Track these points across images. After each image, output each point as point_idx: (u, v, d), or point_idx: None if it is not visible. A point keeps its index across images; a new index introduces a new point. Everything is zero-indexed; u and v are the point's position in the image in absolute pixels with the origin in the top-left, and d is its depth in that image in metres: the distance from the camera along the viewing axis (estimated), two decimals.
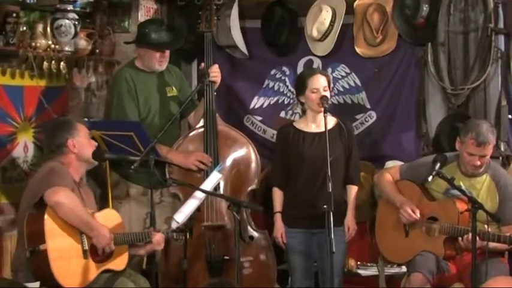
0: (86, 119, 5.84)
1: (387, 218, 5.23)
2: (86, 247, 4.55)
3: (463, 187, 4.94)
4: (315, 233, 5.09)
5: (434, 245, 4.96)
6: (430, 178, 4.84)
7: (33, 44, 5.41)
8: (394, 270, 5.86)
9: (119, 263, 4.73)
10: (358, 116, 6.27)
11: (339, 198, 5.11)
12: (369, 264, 6.09)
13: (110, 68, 6.20)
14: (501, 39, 5.86)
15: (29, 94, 5.49)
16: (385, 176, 5.26)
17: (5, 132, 5.32)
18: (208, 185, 5.09)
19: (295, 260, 5.25)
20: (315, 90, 5.14)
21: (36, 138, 5.52)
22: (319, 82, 5.17)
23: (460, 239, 4.86)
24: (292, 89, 6.31)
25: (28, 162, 5.46)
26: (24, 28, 5.39)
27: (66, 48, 5.70)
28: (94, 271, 4.58)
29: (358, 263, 6.09)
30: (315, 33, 6.20)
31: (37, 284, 4.45)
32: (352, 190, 5.25)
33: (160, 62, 5.55)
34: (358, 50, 6.24)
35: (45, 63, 5.46)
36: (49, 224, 4.41)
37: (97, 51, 6.07)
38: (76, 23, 5.73)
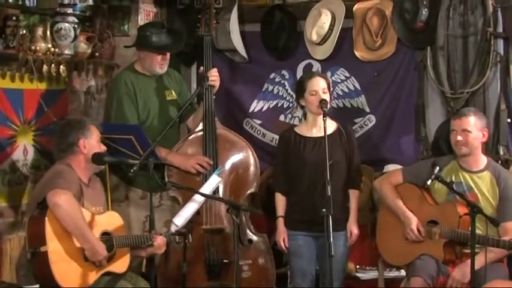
0: None
1: (388, 221, 5.23)
2: None
3: (464, 184, 4.97)
4: (317, 236, 5.08)
5: (434, 249, 4.96)
6: (429, 182, 4.85)
7: (33, 47, 5.41)
8: (394, 273, 5.86)
9: (119, 265, 4.72)
10: (357, 120, 6.28)
11: (340, 202, 5.11)
12: (368, 268, 6.09)
13: (109, 72, 6.20)
14: (500, 43, 5.87)
15: (29, 97, 5.49)
16: (386, 184, 5.25)
17: (5, 136, 5.32)
18: (207, 188, 5.10)
19: (296, 263, 5.25)
20: (314, 92, 5.14)
21: (38, 142, 5.52)
22: (318, 84, 5.17)
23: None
24: (291, 93, 6.32)
25: (28, 166, 5.46)
26: (24, 31, 5.39)
27: (66, 52, 5.71)
28: (94, 274, 4.57)
29: (358, 266, 6.09)
30: (314, 37, 6.21)
31: (36, 286, 4.44)
32: (354, 194, 5.25)
33: (161, 65, 5.55)
34: (357, 53, 6.25)
35: (45, 67, 5.46)
36: (50, 226, 4.40)
37: (97, 54, 6.07)
38: (76, 26, 5.74)
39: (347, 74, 6.32)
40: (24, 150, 5.43)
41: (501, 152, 5.79)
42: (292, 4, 6.45)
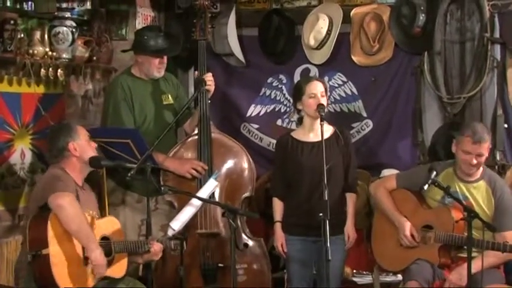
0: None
1: (383, 226, 5.23)
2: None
3: (459, 193, 4.96)
4: (315, 241, 5.08)
5: (429, 253, 4.96)
6: (425, 187, 4.83)
7: (31, 51, 5.42)
8: (390, 278, 5.87)
9: (117, 270, 4.73)
10: (354, 125, 6.29)
11: (338, 207, 5.11)
12: (364, 273, 6.10)
13: (107, 76, 6.21)
14: (497, 48, 5.88)
15: (26, 101, 5.50)
16: (381, 189, 5.25)
17: (2, 139, 5.33)
18: (204, 192, 5.10)
19: (293, 267, 5.24)
20: (313, 95, 5.15)
21: (35, 145, 5.53)
22: (317, 87, 5.18)
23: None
24: (289, 97, 6.32)
25: (25, 169, 5.47)
26: (22, 35, 5.40)
27: (64, 56, 5.72)
28: (93, 277, 4.58)
29: (354, 271, 6.10)
30: (311, 42, 6.22)
31: None
32: (351, 198, 5.26)
33: (159, 68, 5.56)
34: (354, 58, 6.26)
35: (43, 71, 5.47)
36: (52, 229, 4.42)
37: (94, 58, 6.08)
38: (74, 30, 5.76)
39: (344, 79, 6.33)
40: (21, 154, 5.44)
41: (498, 157, 5.81)
42: (289, 9, 6.47)
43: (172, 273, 5.28)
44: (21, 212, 5.37)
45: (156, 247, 4.83)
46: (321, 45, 6.23)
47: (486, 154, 4.96)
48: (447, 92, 6.00)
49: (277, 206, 5.30)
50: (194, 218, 5.19)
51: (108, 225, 4.80)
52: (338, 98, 6.35)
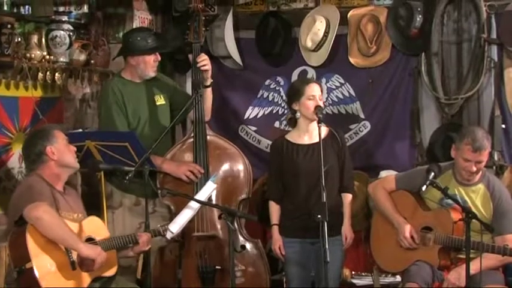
0: (80, 130, 5.87)
1: (382, 227, 5.23)
2: (73, 258, 4.48)
3: (458, 196, 4.95)
4: (313, 242, 5.09)
5: (428, 255, 4.96)
6: (424, 188, 4.82)
7: (28, 54, 5.42)
8: (389, 279, 5.87)
9: (108, 268, 4.70)
10: (352, 126, 6.30)
11: (335, 208, 5.11)
12: (363, 274, 6.09)
13: (104, 79, 6.19)
14: (494, 49, 5.89)
15: (24, 105, 5.50)
16: (380, 190, 5.25)
17: (0, 143, 5.33)
18: (203, 195, 5.09)
19: (292, 270, 5.24)
20: (312, 97, 5.15)
21: None
22: (315, 90, 5.18)
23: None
24: (286, 96, 6.31)
25: (23, 173, 5.45)
26: (19, 39, 5.40)
27: (61, 59, 5.73)
28: (85, 281, 4.55)
29: (353, 272, 6.09)
30: (309, 44, 6.22)
31: None
32: (347, 198, 5.26)
33: (153, 66, 5.55)
34: (352, 60, 6.26)
35: (40, 74, 5.47)
36: (31, 241, 4.35)
37: (92, 62, 6.07)
38: (71, 34, 5.76)
39: (342, 81, 6.34)
40: (19, 158, 5.43)
41: (495, 158, 5.81)
42: (286, 11, 6.47)
43: (170, 276, 5.29)
44: None
45: (144, 238, 4.82)
46: (318, 47, 6.23)
47: (485, 160, 4.96)
48: (445, 93, 6.00)
49: (274, 209, 5.30)
50: (191, 220, 5.19)
51: (91, 225, 4.73)
52: (336, 99, 6.35)
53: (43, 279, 4.34)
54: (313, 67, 6.35)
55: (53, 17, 5.69)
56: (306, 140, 5.22)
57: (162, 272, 5.39)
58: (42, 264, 4.36)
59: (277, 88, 6.52)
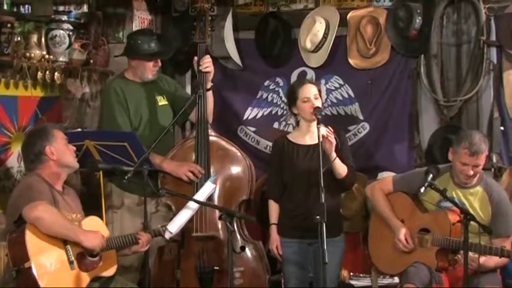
0: (79, 129, 5.87)
1: (380, 229, 5.23)
2: (72, 258, 4.49)
3: (456, 198, 4.96)
4: (310, 243, 5.09)
5: (426, 256, 4.96)
6: (422, 189, 4.83)
7: (28, 54, 5.42)
8: (387, 281, 5.87)
9: (108, 268, 4.70)
10: (351, 128, 6.30)
11: (333, 209, 5.10)
12: (361, 275, 6.09)
13: (104, 79, 6.21)
14: (493, 51, 5.90)
15: (23, 104, 5.50)
16: (378, 191, 5.24)
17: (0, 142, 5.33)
18: (201, 195, 5.10)
19: (290, 270, 5.24)
20: (306, 99, 5.14)
21: None
22: (310, 91, 5.17)
23: (458, 256, 4.86)
24: (286, 100, 6.32)
25: (22, 172, 5.45)
26: (19, 38, 5.41)
27: (61, 59, 5.73)
28: (84, 280, 4.55)
29: (351, 273, 6.09)
30: (308, 45, 6.23)
31: None
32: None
33: (153, 71, 5.56)
34: (351, 61, 6.27)
35: (40, 74, 5.48)
36: (31, 241, 4.35)
37: (91, 61, 6.08)
38: (70, 33, 5.77)
39: (341, 82, 6.34)
40: (18, 157, 5.43)
41: (494, 160, 5.82)
42: (286, 12, 6.47)
43: (169, 276, 5.29)
44: None
45: (144, 238, 4.82)
46: (317, 48, 6.24)
47: (483, 164, 4.96)
48: (443, 94, 6.01)
49: (273, 208, 5.30)
50: (191, 220, 5.20)
51: (91, 225, 4.72)
52: (335, 101, 6.35)
53: (42, 278, 4.33)
54: (312, 68, 6.36)
55: (53, 16, 5.70)
56: (307, 140, 5.22)
57: (161, 272, 5.39)
58: (41, 264, 4.36)
59: (276, 89, 6.53)
